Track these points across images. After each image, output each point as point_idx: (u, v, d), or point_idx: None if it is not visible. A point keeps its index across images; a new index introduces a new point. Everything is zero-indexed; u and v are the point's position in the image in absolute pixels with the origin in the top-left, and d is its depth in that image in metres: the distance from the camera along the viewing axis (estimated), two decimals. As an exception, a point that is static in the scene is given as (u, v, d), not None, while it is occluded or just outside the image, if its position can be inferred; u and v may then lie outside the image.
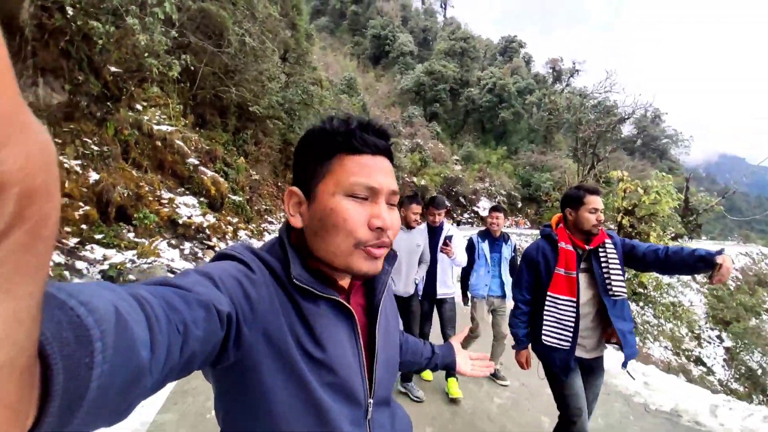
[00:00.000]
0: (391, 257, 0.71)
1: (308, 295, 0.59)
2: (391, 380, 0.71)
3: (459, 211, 32.07)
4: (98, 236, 4.32)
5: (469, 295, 3.36)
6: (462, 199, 32.84)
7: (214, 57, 9.61)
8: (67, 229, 4.07)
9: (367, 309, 0.70)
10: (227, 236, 6.85)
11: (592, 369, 1.89)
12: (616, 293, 1.73)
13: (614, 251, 1.77)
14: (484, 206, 32.66)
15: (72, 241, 4.02)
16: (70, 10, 4.43)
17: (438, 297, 3.00)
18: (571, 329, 1.79)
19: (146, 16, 4.86)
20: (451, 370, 1.01)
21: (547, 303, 1.84)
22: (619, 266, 1.76)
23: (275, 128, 13.63)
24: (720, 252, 1.53)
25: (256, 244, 8.50)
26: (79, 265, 3.76)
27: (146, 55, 5.13)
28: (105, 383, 0.27)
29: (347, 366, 0.61)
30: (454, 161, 36.48)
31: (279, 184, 13.91)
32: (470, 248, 3.34)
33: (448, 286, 3.04)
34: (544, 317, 1.83)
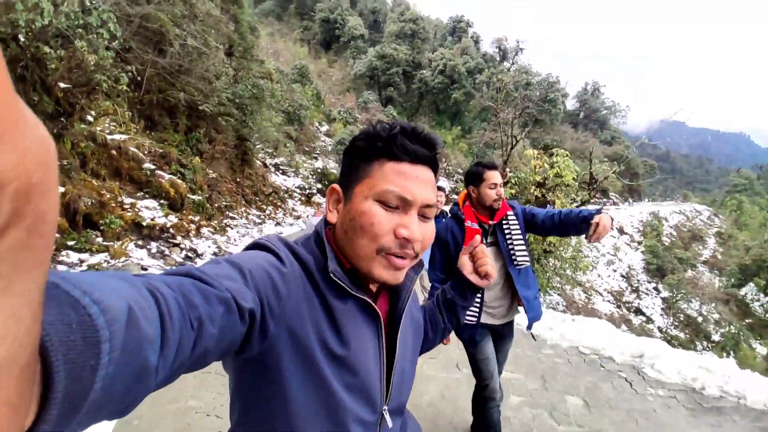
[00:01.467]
0: (418, 266, 0.71)
1: (339, 292, 0.59)
2: (406, 390, 0.72)
3: (419, 192, 33.38)
4: (71, 243, 4.79)
5: None
6: (421, 180, 34.14)
7: (158, 60, 9.72)
8: (41, 238, 4.54)
9: (389, 315, 0.70)
10: (191, 234, 7.36)
11: (502, 335, 2.00)
12: (520, 263, 1.79)
13: (516, 222, 1.82)
14: (442, 185, 34.09)
15: (47, 249, 4.49)
16: (21, 38, 4.75)
17: None
18: (477, 304, 1.85)
19: (91, 35, 5.22)
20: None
21: None
22: (521, 236, 1.81)
23: (228, 125, 13.78)
24: (599, 211, 1.60)
25: (220, 239, 8.98)
26: (61, 268, 4.27)
27: (93, 70, 5.50)
28: (108, 384, 0.28)
29: (368, 368, 0.61)
30: (411, 144, 37.47)
31: (237, 179, 14.16)
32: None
33: None
34: None
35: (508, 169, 8.55)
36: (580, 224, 1.64)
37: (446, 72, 41.65)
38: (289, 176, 20.79)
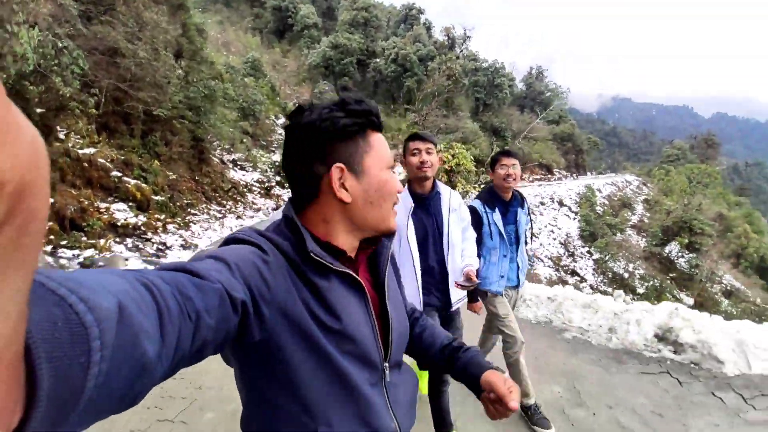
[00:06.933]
0: (392, 233, 0.76)
1: (321, 270, 0.63)
2: (403, 346, 0.79)
3: (378, 179, 35.05)
4: (63, 242, 6.00)
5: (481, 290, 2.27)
6: (379, 167, 35.79)
7: (110, 72, 10.53)
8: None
9: (373, 283, 0.76)
10: (159, 230, 8.60)
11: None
12: None
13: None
14: (399, 171, 35.86)
15: (48, 248, 5.70)
16: (4, 76, 5.83)
17: (453, 306, 1.92)
18: None
19: (64, 71, 6.34)
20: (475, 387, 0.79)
21: None
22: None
23: (183, 127, 14.57)
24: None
25: (185, 233, 10.22)
26: (62, 262, 5.52)
27: (68, 98, 6.64)
28: (104, 381, 0.28)
29: (363, 335, 0.67)
30: (368, 132, 38.77)
31: (196, 178, 15.08)
32: (477, 222, 2.20)
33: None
34: None
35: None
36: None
37: (398, 60, 42.96)
38: (247, 171, 21.61)
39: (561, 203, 36.49)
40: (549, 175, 46.93)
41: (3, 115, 0.16)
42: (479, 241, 2.17)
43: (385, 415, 0.69)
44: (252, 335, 0.54)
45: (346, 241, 0.68)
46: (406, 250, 1.76)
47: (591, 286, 28.25)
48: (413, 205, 1.81)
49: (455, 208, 1.89)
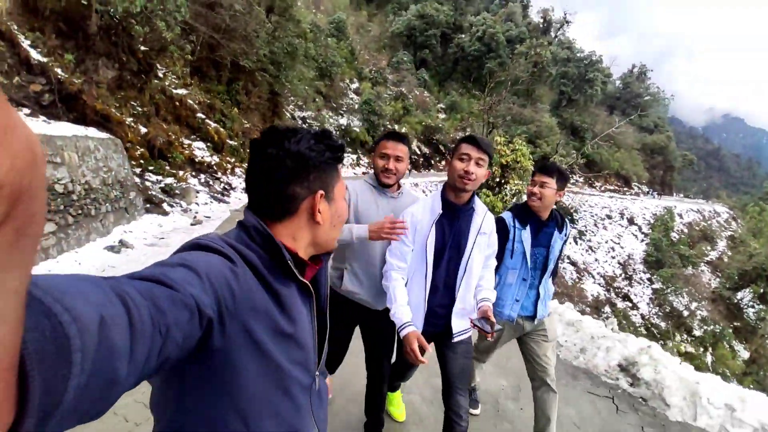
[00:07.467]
0: (329, 252, 0.82)
1: (285, 279, 0.67)
2: (325, 357, 0.84)
3: (437, 158, 34.57)
4: (150, 168, 7.02)
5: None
6: (441, 148, 35.15)
7: (208, 21, 11.48)
8: (133, 162, 6.77)
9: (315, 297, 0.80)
10: (228, 172, 9.57)
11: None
12: None
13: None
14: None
15: (137, 170, 6.74)
16: (111, 10, 6.69)
17: (454, 338, 1.66)
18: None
19: (168, 16, 7.12)
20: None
21: None
22: None
23: (263, 80, 15.52)
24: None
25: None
26: (147, 184, 6.53)
27: (168, 42, 7.47)
28: (80, 393, 0.28)
29: (308, 342, 0.71)
30: (438, 110, 37.95)
31: (267, 129, 16.16)
32: (501, 235, 1.90)
33: (468, 312, 1.65)
34: None
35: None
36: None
37: (484, 39, 40.77)
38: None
39: (631, 221, 33.43)
40: (625, 188, 42.88)
41: (1, 119, 0.16)
42: (498, 258, 1.89)
43: (309, 420, 0.73)
44: (210, 347, 0.54)
45: (305, 256, 0.74)
46: (421, 261, 1.57)
47: (642, 316, 26.18)
48: (441, 212, 1.57)
49: (485, 231, 1.61)
